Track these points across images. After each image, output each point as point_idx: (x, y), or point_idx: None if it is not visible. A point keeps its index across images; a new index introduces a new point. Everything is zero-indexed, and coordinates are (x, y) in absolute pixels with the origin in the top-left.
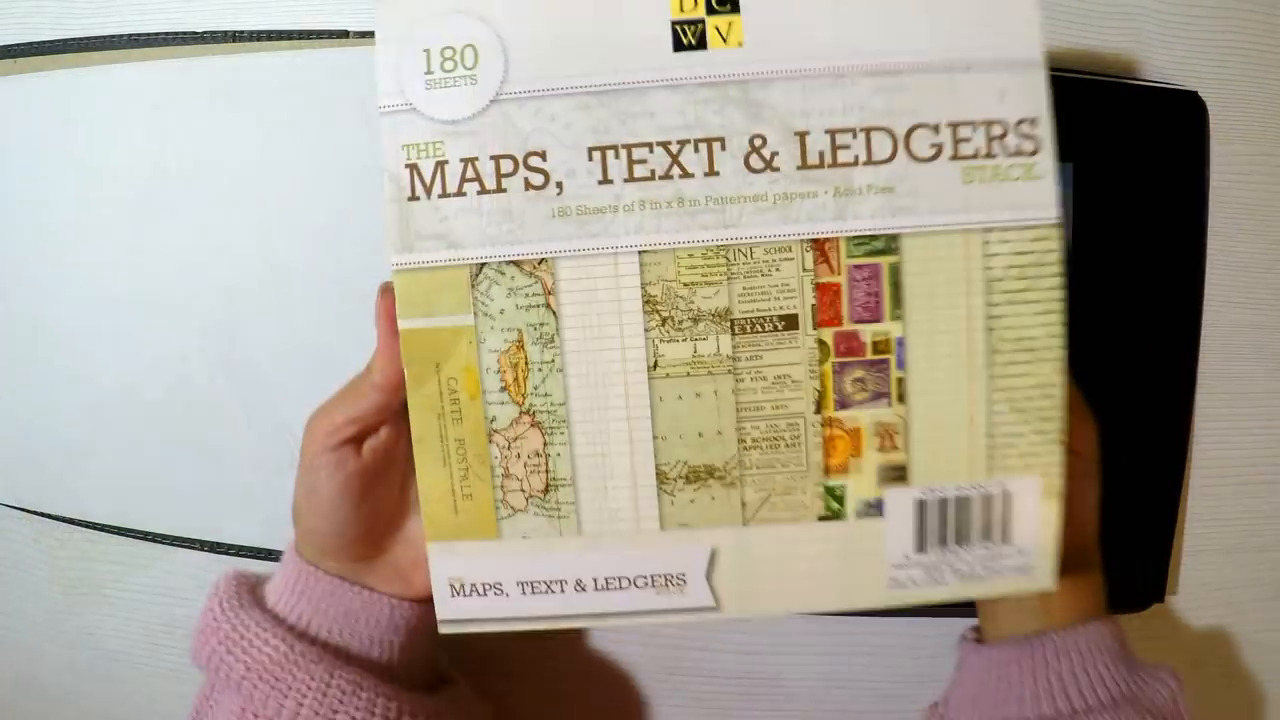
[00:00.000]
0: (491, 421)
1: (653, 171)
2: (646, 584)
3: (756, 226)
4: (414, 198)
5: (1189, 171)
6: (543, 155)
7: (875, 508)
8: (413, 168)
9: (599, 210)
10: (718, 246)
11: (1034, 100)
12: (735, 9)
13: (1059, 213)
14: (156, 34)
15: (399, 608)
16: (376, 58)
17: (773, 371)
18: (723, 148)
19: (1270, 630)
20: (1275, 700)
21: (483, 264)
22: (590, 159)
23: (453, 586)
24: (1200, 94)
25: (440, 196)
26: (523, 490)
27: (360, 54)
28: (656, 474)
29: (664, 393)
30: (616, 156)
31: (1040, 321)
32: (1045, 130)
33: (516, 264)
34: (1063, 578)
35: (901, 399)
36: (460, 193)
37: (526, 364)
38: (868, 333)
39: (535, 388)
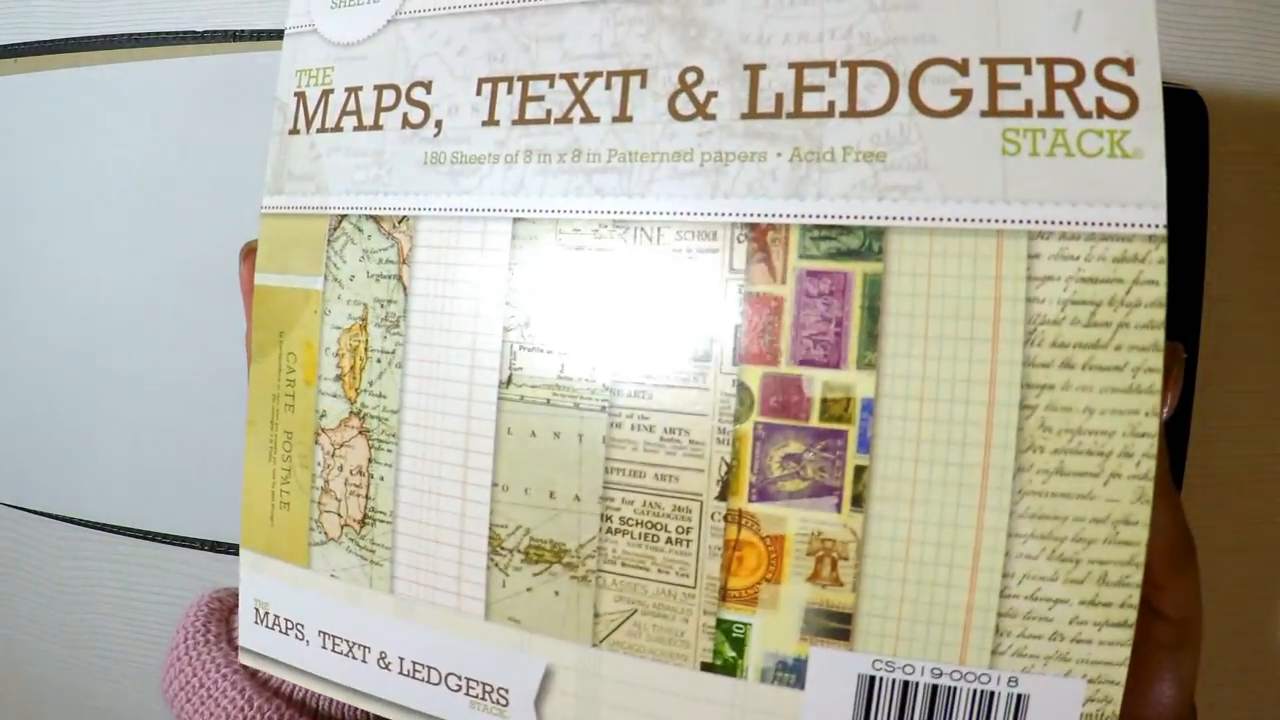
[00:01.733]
0: (321, 417)
1: (548, 112)
2: (460, 688)
3: (670, 198)
4: (294, 130)
5: (1189, 171)
6: (428, 87)
7: (792, 672)
8: (300, 96)
9: (476, 159)
10: (614, 221)
11: (1131, 28)
12: None
13: (1165, 217)
14: (155, 34)
15: None
16: None
17: (664, 421)
18: (642, 84)
19: (1269, 631)
20: (1274, 700)
21: (344, 216)
22: (479, 93)
23: (258, 610)
24: (1200, 94)
25: (319, 130)
26: (339, 514)
27: None
28: (489, 536)
29: (514, 422)
30: (509, 91)
31: (1117, 405)
32: (1149, 79)
33: (376, 220)
34: None
35: (858, 502)
36: (337, 127)
37: (366, 350)
38: (817, 382)
39: (370, 383)
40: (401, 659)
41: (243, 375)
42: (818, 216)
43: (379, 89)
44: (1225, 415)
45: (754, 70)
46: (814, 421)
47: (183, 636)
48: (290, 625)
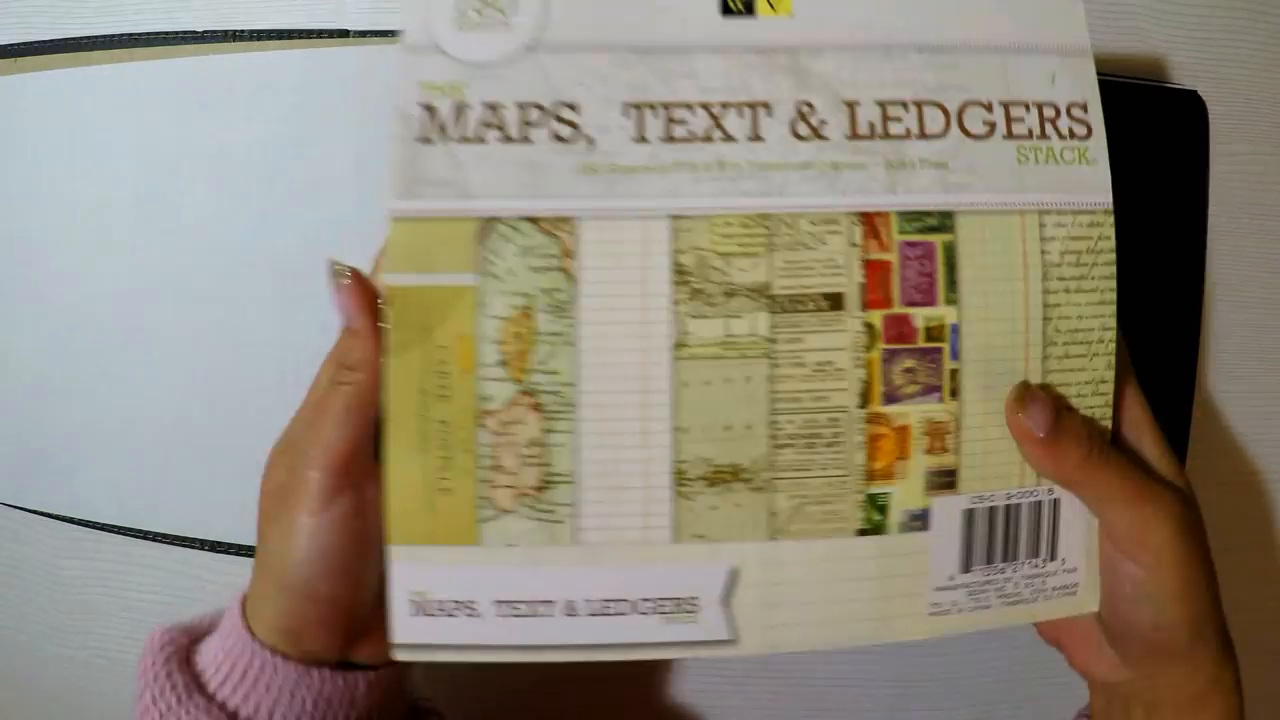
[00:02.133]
0: (484, 401)
1: (692, 133)
2: (652, 609)
3: (802, 195)
4: (426, 139)
5: (1189, 171)
6: (574, 107)
7: (920, 520)
8: (428, 107)
9: (631, 169)
10: (759, 215)
11: (1083, 85)
12: None
13: (1112, 199)
14: (156, 34)
15: (372, 678)
16: None
17: (814, 358)
18: (768, 113)
19: (1270, 631)
20: (1276, 700)
21: (494, 218)
22: (626, 116)
23: (415, 603)
24: (1200, 94)
25: (459, 141)
26: (513, 486)
27: (360, 54)
28: (674, 473)
29: (689, 376)
30: (654, 115)
31: (1095, 312)
32: (1096, 115)
33: (534, 221)
34: (1186, 692)
35: (954, 394)
36: (480, 139)
37: (533, 335)
38: (920, 317)
39: (540, 363)
40: (589, 601)
41: (242, 375)
42: (908, 205)
43: (522, 106)
44: (1225, 415)
45: (851, 105)
46: (920, 343)
47: (150, 697)
48: (459, 605)
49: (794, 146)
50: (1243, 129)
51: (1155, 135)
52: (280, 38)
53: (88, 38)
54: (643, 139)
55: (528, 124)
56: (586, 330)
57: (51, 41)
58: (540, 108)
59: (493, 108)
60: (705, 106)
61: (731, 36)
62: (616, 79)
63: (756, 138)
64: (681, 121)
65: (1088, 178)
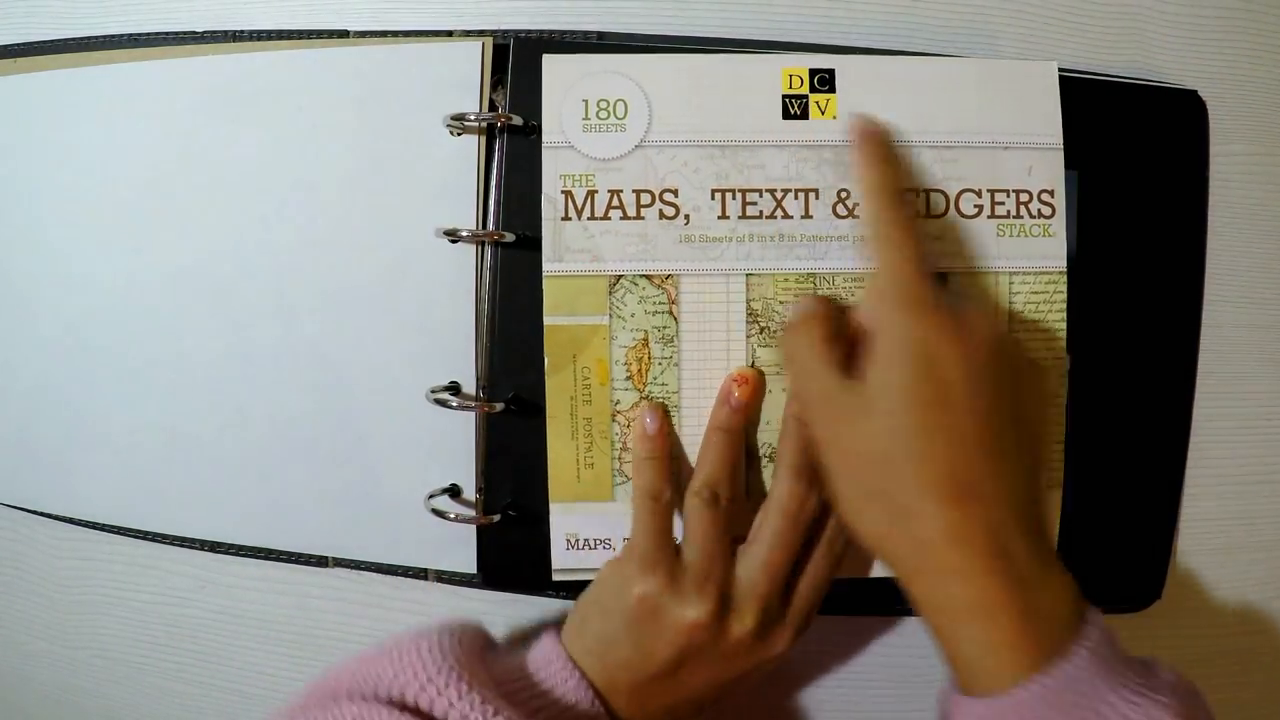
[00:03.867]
0: (615, 404)
1: (761, 212)
2: None
3: (839, 260)
4: (567, 218)
5: (1189, 171)
6: (675, 192)
7: None
8: (567, 194)
9: (717, 239)
10: (808, 273)
11: (1053, 175)
12: (832, 90)
13: (1066, 264)
14: (156, 34)
15: None
16: (543, 102)
17: None
18: (816, 197)
19: (1270, 630)
20: (1275, 699)
21: (620, 275)
22: (712, 198)
23: (569, 541)
24: (1200, 94)
25: (589, 219)
26: None
27: (360, 54)
28: (752, 454)
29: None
30: (733, 198)
31: (1048, 346)
32: (1060, 200)
33: (648, 277)
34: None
35: None
36: (606, 217)
37: (649, 358)
38: None
39: (655, 378)
40: None
41: (242, 376)
42: None
43: (637, 192)
44: (1224, 415)
45: None
46: None
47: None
48: (599, 542)
49: (835, 223)
50: (1243, 129)
51: (1155, 135)
52: (280, 38)
53: (88, 38)
54: (724, 216)
55: (641, 205)
56: (686, 355)
57: (51, 41)
58: (650, 193)
59: (614, 193)
60: (770, 191)
61: (790, 135)
62: (705, 170)
63: (807, 215)
64: (753, 203)
65: (1048, 248)
